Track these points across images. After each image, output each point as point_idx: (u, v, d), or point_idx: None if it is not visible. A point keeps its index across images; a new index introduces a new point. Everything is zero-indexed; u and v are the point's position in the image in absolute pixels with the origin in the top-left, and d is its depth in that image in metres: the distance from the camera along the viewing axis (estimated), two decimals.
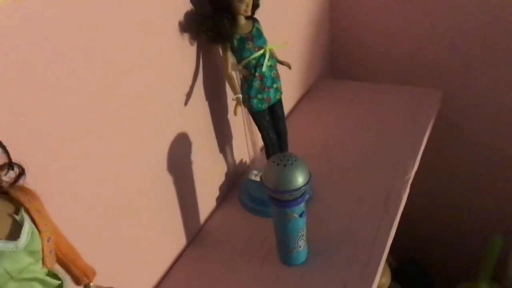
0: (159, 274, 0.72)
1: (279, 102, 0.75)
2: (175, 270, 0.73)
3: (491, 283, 1.23)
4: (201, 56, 0.72)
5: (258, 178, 0.82)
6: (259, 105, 0.72)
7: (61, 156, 0.50)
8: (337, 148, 0.96)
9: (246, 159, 0.91)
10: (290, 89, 1.06)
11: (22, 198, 0.37)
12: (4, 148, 0.36)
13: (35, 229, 0.37)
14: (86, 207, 0.55)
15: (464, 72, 1.15)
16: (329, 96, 1.15)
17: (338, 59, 1.28)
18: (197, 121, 0.74)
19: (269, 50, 0.70)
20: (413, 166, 0.89)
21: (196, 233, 0.79)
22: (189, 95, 0.71)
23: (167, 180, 0.70)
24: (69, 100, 0.50)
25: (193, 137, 0.73)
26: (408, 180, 0.85)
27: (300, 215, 0.66)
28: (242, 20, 0.69)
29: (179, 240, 0.75)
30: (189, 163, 0.74)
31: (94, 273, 0.45)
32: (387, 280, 1.23)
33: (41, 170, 0.46)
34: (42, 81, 0.46)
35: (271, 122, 0.75)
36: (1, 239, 0.34)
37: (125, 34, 0.57)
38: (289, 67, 0.75)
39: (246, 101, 0.72)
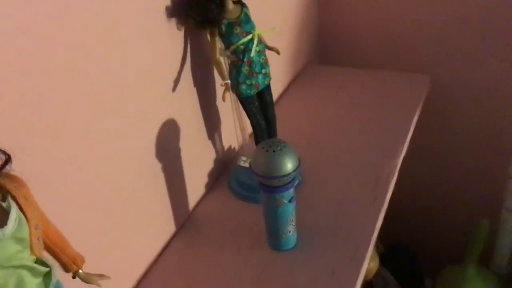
0: (148, 260, 0.72)
1: (268, 88, 0.74)
2: (164, 256, 0.73)
3: (477, 267, 1.24)
4: (188, 41, 0.71)
5: (247, 164, 0.82)
6: (248, 91, 0.71)
7: (47, 144, 0.49)
8: (326, 133, 0.96)
9: (235, 146, 0.91)
10: (278, 75, 1.05)
11: (9, 185, 0.36)
12: None
13: (22, 216, 0.36)
14: (75, 194, 0.54)
15: (450, 59, 1.15)
16: (318, 82, 1.15)
17: (326, 45, 1.28)
18: (185, 107, 0.74)
19: (258, 35, 0.70)
20: (401, 151, 0.89)
21: (185, 220, 0.79)
22: (177, 81, 0.70)
23: (156, 167, 0.69)
24: (55, 87, 0.49)
25: (181, 124, 0.73)
26: (396, 165, 0.86)
27: (290, 201, 0.66)
28: (230, 5, 0.68)
29: (168, 226, 0.75)
30: (177, 150, 0.74)
31: (83, 261, 0.45)
32: (375, 264, 1.24)
33: (27, 158, 0.45)
34: (25, 70, 0.46)
35: (259, 108, 0.75)
36: None
37: (111, 20, 0.56)
38: (278, 52, 0.75)
39: (235, 87, 0.71)
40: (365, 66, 1.20)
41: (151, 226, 0.71)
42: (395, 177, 0.84)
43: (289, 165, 0.62)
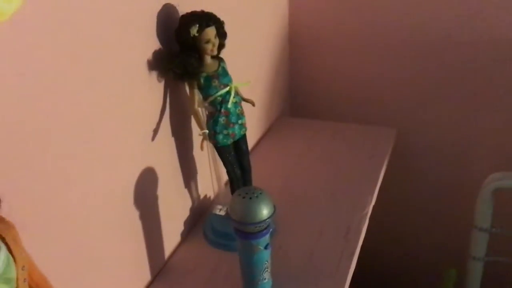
0: None
1: (244, 137, 0.77)
2: None
3: None
4: (168, 93, 0.74)
5: (222, 213, 0.83)
6: (225, 141, 0.74)
7: (28, 189, 0.50)
8: (298, 183, 0.99)
9: (211, 194, 0.92)
10: (252, 126, 1.09)
11: None
12: None
13: (11, 257, 0.37)
14: (49, 238, 0.54)
15: (415, 112, 1.22)
16: (289, 133, 1.19)
17: (297, 98, 1.33)
18: (163, 156, 0.76)
19: (234, 87, 0.73)
20: (371, 200, 0.92)
21: (161, 268, 0.79)
22: (156, 131, 0.73)
23: (133, 215, 0.70)
24: (36, 131, 0.51)
25: (159, 172, 0.75)
26: (366, 214, 0.89)
27: (265, 247, 0.67)
28: (208, 60, 0.72)
29: (144, 275, 0.75)
30: (155, 198, 0.75)
31: None
32: None
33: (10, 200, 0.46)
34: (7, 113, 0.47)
35: (235, 157, 0.77)
36: None
37: (95, 71, 0.58)
38: (253, 104, 0.78)
39: (212, 137, 0.74)
40: (333, 119, 1.25)
41: (127, 274, 0.71)
42: (365, 225, 0.87)
43: (265, 212, 0.64)
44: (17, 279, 0.37)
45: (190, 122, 0.81)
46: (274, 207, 0.66)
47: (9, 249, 0.37)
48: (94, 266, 0.63)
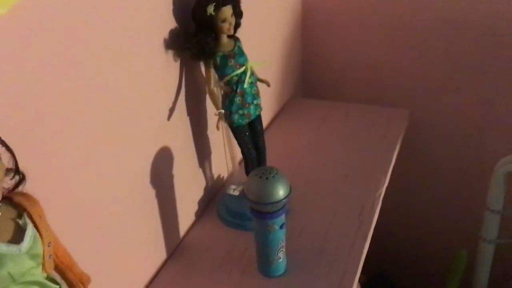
0: (140, 287, 0.72)
1: (259, 118, 0.77)
2: (155, 283, 0.74)
3: None
4: (184, 72, 0.74)
5: (236, 193, 0.84)
6: (240, 121, 0.74)
7: (49, 166, 0.51)
8: (311, 163, 0.99)
9: (225, 174, 0.93)
10: (265, 107, 1.08)
11: (25, 203, 0.37)
12: (13, 155, 0.37)
13: (37, 234, 0.38)
14: (68, 218, 0.55)
15: (428, 95, 1.21)
16: (302, 114, 1.19)
17: (310, 79, 1.32)
18: (178, 136, 0.76)
19: (250, 67, 0.73)
20: (385, 181, 0.92)
21: (176, 247, 0.80)
22: (172, 110, 0.73)
23: (149, 194, 0.71)
24: (54, 113, 0.51)
25: (174, 152, 0.75)
26: (380, 195, 0.89)
27: (281, 227, 0.68)
28: (224, 39, 0.71)
29: (160, 254, 0.76)
30: (170, 177, 0.75)
31: (89, 280, 0.46)
32: None
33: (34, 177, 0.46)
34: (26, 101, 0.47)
35: (250, 137, 0.78)
36: (5, 242, 0.35)
37: (112, 51, 0.58)
38: (268, 85, 0.78)
39: (227, 117, 0.74)
40: (346, 101, 1.24)
41: (143, 252, 0.72)
42: (379, 206, 0.87)
43: (281, 192, 0.65)
44: (43, 255, 0.38)
45: (205, 102, 0.81)
46: (290, 187, 0.66)
47: (35, 226, 0.38)
48: (110, 244, 0.63)
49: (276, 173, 0.65)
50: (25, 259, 0.36)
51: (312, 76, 1.32)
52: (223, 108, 0.74)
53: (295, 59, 1.25)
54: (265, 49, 1.05)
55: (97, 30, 0.55)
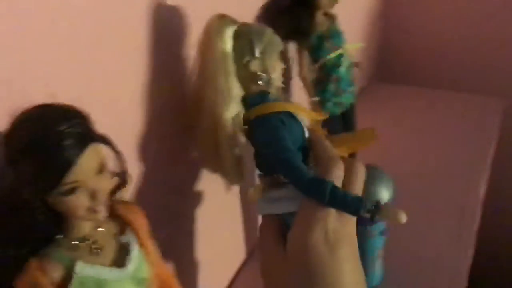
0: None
1: (353, 108, 0.69)
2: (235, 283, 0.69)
3: None
4: None
5: None
6: (334, 109, 0.66)
7: None
8: (393, 158, 0.89)
9: None
10: None
11: (129, 216, 0.30)
12: (120, 157, 0.29)
13: (142, 253, 0.30)
14: None
15: None
16: (381, 100, 1.09)
17: (391, 63, 1.21)
18: None
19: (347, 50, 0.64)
20: (483, 181, 0.82)
21: (254, 248, 0.73)
22: None
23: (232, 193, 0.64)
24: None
25: None
26: (479, 196, 0.79)
27: (381, 233, 0.60)
28: (320, 17, 0.62)
29: (240, 254, 0.70)
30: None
31: None
32: None
33: None
34: None
35: (342, 129, 0.69)
36: (105, 265, 0.28)
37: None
38: (360, 68, 0.70)
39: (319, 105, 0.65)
40: (429, 86, 1.12)
41: (227, 253, 0.67)
42: (479, 209, 0.77)
43: (385, 194, 0.56)
44: (150, 278, 0.30)
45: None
46: (395, 188, 0.57)
47: (141, 243, 0.30)
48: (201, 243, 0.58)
49: (380, 173, 0.57)
50: (128, 284, 0.29)
51: (390, 57, 1.20)
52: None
53: (375, 38, 1.14)
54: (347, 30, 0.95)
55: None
